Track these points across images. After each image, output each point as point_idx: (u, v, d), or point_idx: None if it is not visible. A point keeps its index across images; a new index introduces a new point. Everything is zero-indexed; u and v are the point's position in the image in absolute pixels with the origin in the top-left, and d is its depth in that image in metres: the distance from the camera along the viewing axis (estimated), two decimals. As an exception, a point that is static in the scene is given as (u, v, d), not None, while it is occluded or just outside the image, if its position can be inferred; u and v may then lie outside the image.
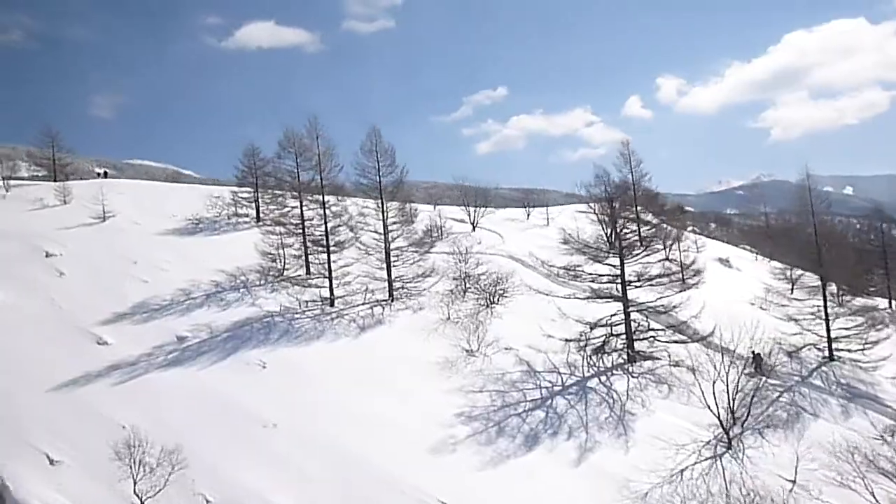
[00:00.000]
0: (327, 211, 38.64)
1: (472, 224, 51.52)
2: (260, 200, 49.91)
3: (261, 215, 49.60)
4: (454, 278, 40.38)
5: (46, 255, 40.73)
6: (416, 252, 39.36)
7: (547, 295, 34.54)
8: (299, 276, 40.42)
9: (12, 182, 60.19)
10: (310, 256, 40.49)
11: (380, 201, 38.93)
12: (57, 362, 29.50)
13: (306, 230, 40.47)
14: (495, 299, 37.54)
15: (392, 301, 37.71)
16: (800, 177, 38.96)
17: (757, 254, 69.01)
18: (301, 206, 41.19)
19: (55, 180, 62.57)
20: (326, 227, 38.29)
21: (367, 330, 34.30)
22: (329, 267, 37.56)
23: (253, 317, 34.73)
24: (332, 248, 39.39)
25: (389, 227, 38.89)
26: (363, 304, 37.39)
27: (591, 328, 33.14)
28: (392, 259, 38.68)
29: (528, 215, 57.72)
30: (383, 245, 38.72)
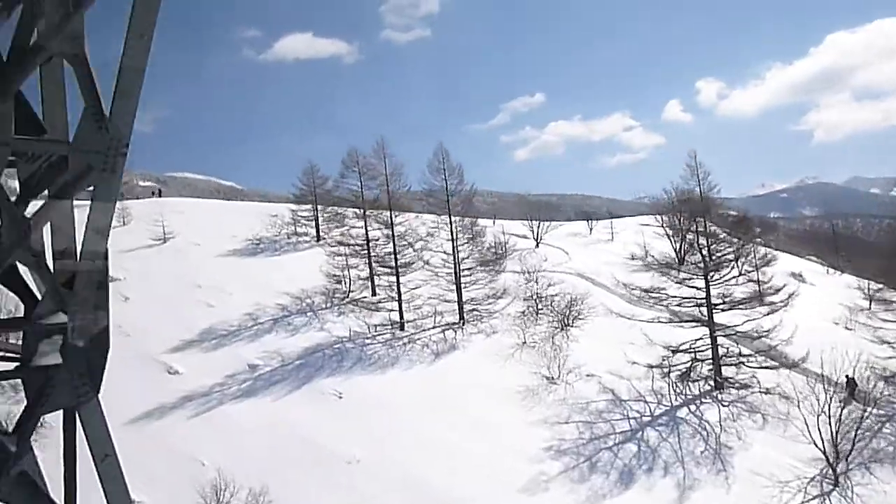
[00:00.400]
0: (394, 230, 37.62)
1: (536, 240, 50.11)
2: (320, 219, 49.08)
3: (321, 234, 48.80)
4: (524, 299, 39.01)
5: (111, 280, 40.42)
6: (487, 272, 38.06)
7: (629, 319, 32.90)
8: (365, 298, 39.48)
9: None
10: (375, 278, 39.52)
11: (449, 221, 37.80)
12: (129, 393, 28.90)
13: (371, 251, 39.54)
14: (570, 322, 36.02)
15: (463, 324, 36.56)
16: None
17: (828, 266, 65.98)
18: (366, 225, 40.31)
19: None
20: (395, 248, 37.35)
21: (442, 356, 33.18)
22: (398, 290, 36.56)
23: (323, 343, 33.88)
24: (399, 269, 38.35)
25: (458, 247, 37.72)
26: (434, 327, 36.29)
27: (674, 353, 31.44)
28: (462, 280, 37.44)
29: (591, 230, 55.90)
30: (453, 265, 37.50)
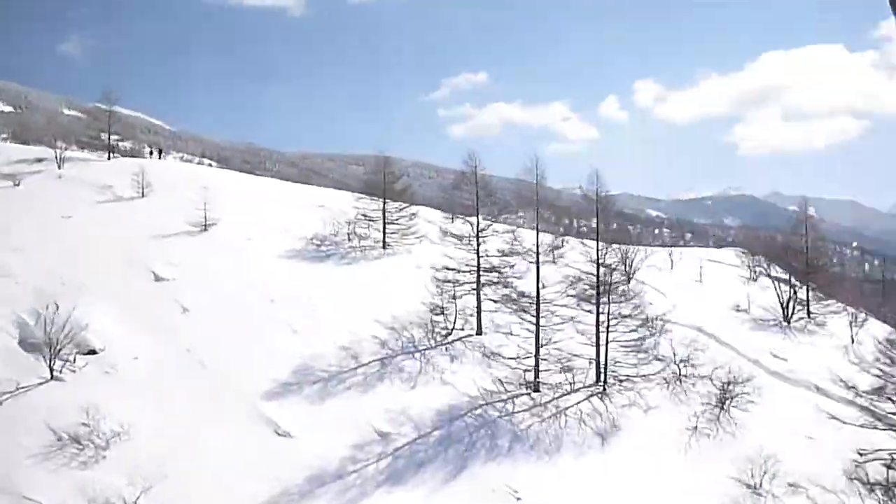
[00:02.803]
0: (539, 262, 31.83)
1: (628, 274, 45.11)
2: (387, 224, 42.46)
3: (387, 241, 42.21)
4: (657, 358, 33.87)
5: (156, 279, 32.99)
6: (633, 324, 32.59)
7: (839, 421, 28.31)
8: (471, 337, 33.56)
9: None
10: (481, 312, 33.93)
11: (597, 254, 32.33)
12: (235, 460, 22.60)
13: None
14: (731, 402, 31.18)
15: (604, 389, 31.12)
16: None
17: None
18: (478, 249, 34.32)
19: (109, 156, 54.00)
20: (539, 285, 31.54)
21: (607, 438, 27.83)
22: (537, 341, 30.80)
23: (456, 404, 28.10)
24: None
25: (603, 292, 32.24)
26: (572, 391, 30.68)
27: (888, 467, 27.13)
28: (601, 331, 32.01)
29: (673, 264, 51.14)
30: (595, 314, 32.01)
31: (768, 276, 50.89)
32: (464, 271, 35.07)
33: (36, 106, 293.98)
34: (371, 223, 43.46)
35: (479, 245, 35.10)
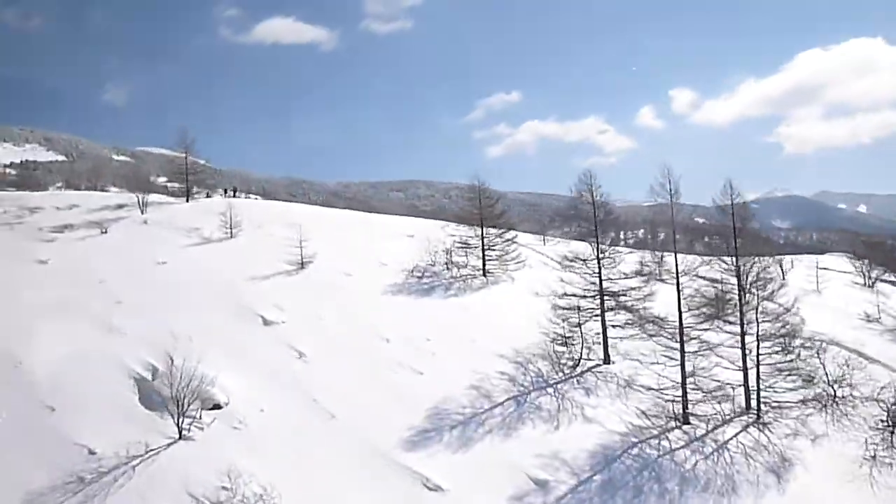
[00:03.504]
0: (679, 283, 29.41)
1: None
2: (486, 250, 40.51)
3: (487, 268, 40.22)
4: (804, 378, 30.95)
5: (265, 323, 31.46)
6: (779, 343, 29.82)
7: None
8: (599, 368, 31.29)
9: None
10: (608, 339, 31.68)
11: (736, 266, 29.81)
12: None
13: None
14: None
15: (758, 417, 28.42)
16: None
17: None
18: (600, 270, 32.07)
19: (188, 199, 53.28)
20: (681, 308, 29.13)
21: (782, 475, 25.01)
22: (683, 366, 28.33)
23: (608, 444, 25.86)
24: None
25: (749, 312, 29.65)
26: (724, 422, 28.04)
27: None
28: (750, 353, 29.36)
29: (784, 273, 47.72)
30: (739, 335, 29.42)
31: (888, 281, 47.63)
32: (587, 297, 32.85)
33: (86, 153, 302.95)
34: (468, 250, 41.60)
35: (601, 268, 32.86)
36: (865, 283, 49.23)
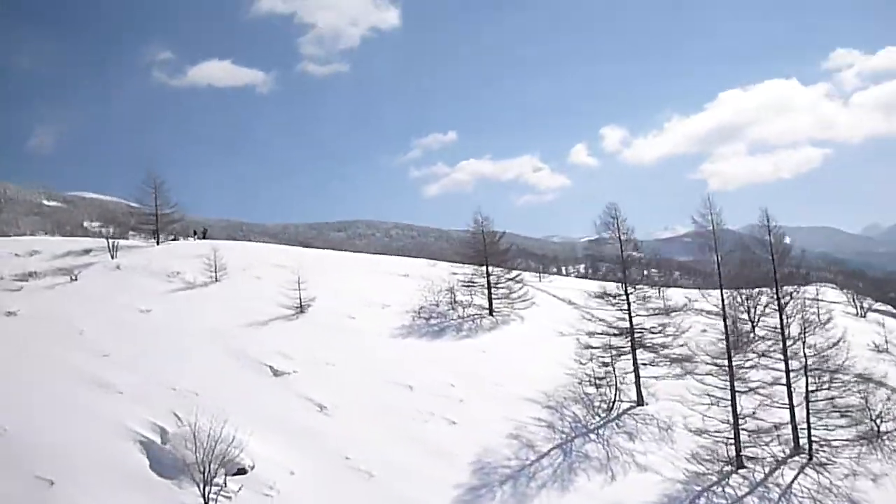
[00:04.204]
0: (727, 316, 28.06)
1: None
2: (492, 288, 38.74)
3: (494, 307, 38.38)
4: (842, 414, 29.82)
5: (275, 373, 28.84)
6: (830, 380, 28.66)
7: None
8: (635, 411, 29.65)
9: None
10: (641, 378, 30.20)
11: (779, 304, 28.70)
12: None
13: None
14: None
15: (811, 458, 27.08)
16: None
17: None
18: (629, 304, 30.64)
19: (157, 241, 49.96)
20: (729, 344, 27.72)
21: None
22: (734, 406, 26.87)
23: (673, 494, 24.36)
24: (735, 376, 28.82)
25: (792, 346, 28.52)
26: (780, 464, 26.59)
27: None
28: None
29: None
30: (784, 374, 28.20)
31: (879, 311, 47.73)
32: (616, 335, 31.29)
33: (14, 199, 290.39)
34: (472, 290, 39.71)
35: (629, 304, 31.40)
36: (858, 314, 49.33)
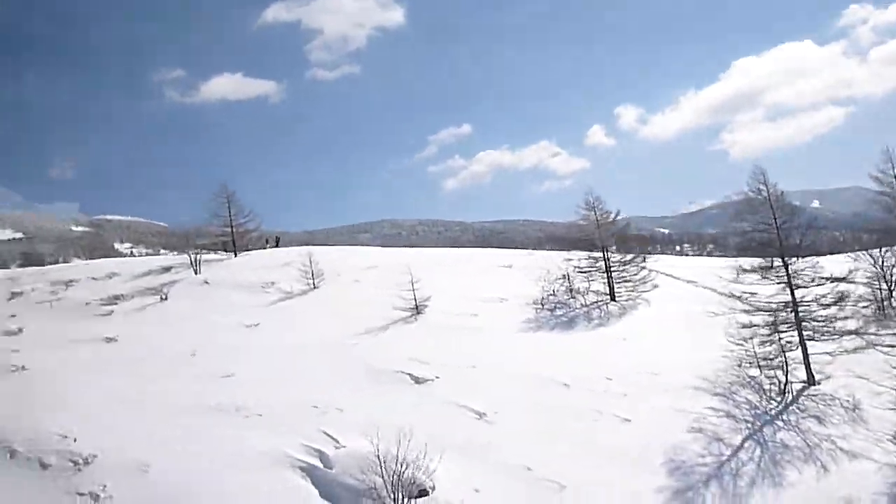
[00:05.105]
0: None
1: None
2: (613, 272, 36.18)
3: (615, 294, 35.80)
4: None
5: (415, 380, 26.74)
6: None
7: None
8: (804, 388, 26.96)
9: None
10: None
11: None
12: None
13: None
14: None
15: None
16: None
17: None
18: (790, 283, 27.94)
19: (235, 252, 48.02)
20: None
21: None
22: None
23: (902, 482, 20.96)
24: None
25: None
26: None
27: None
28: None
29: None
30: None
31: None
32: (773, 311, 28.62)
33: (44, 228, 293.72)
34: (589, 276, 37.21)
35: (790, 277, 28.70)
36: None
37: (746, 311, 28.96)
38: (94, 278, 43.25)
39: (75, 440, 22.94)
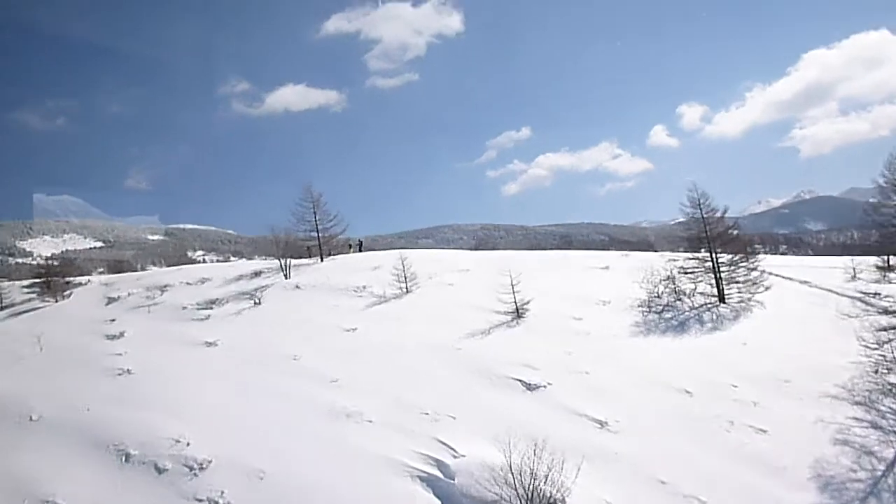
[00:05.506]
0: None
1: None
2: (722, 272, 34.15)
3: (724, 294, 33.75)
4: None
5: (527, 387, 25.54)
6: None
7: None
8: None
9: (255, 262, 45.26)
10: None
11: None
12: None
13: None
14: None
15: None
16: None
17: None
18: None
19: (321, 256, 47.73)
20: None
21: None
22: None
23: None
24: None
25: None
26: None
27: None
28: None
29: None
30: None
31: None
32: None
33: (122, 237, 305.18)
34: (694, 277, 35.26)
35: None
36: None
37: (886, 313, 26.73)
38: (187, 283, 43.50)
39: (188, 444, 22.59)
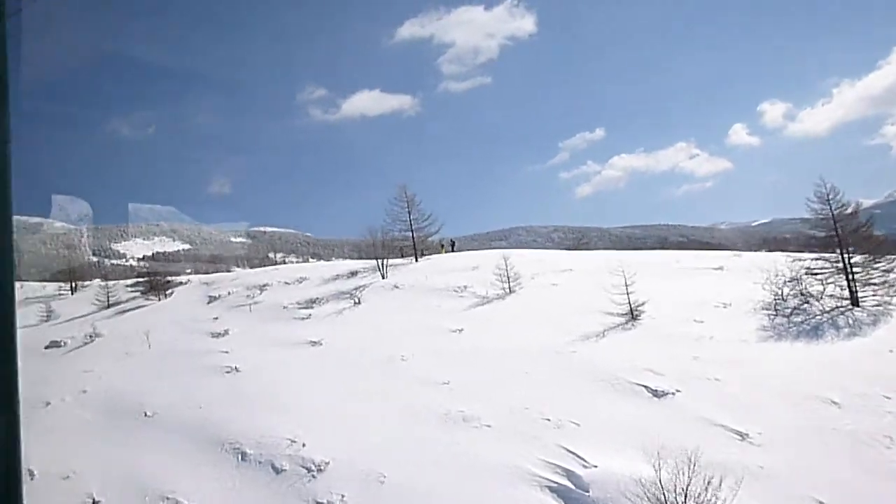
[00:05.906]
0: None
1: None
2: (856, 275, 31.46)
3: (858, 298, 31.02)
4: None
5: (653, 393, 23.85)
6: None
7: None
8: None
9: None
10: None
11: None
12: None
13: None
14: None
15: None
16: None
17: None
18: None
19: (416, 256, 46.95)
20: None
21: None
22: None
23: None
24: None
25: None
26: None
27: None
28: None
29: None
30: None
31: None
32: None
33: (208, 240, 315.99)
34: (824, 280, 32.68)
35: None
36: None
37: None
38: (285, 282, 43.50)
39: (304, 445, 21.97)
